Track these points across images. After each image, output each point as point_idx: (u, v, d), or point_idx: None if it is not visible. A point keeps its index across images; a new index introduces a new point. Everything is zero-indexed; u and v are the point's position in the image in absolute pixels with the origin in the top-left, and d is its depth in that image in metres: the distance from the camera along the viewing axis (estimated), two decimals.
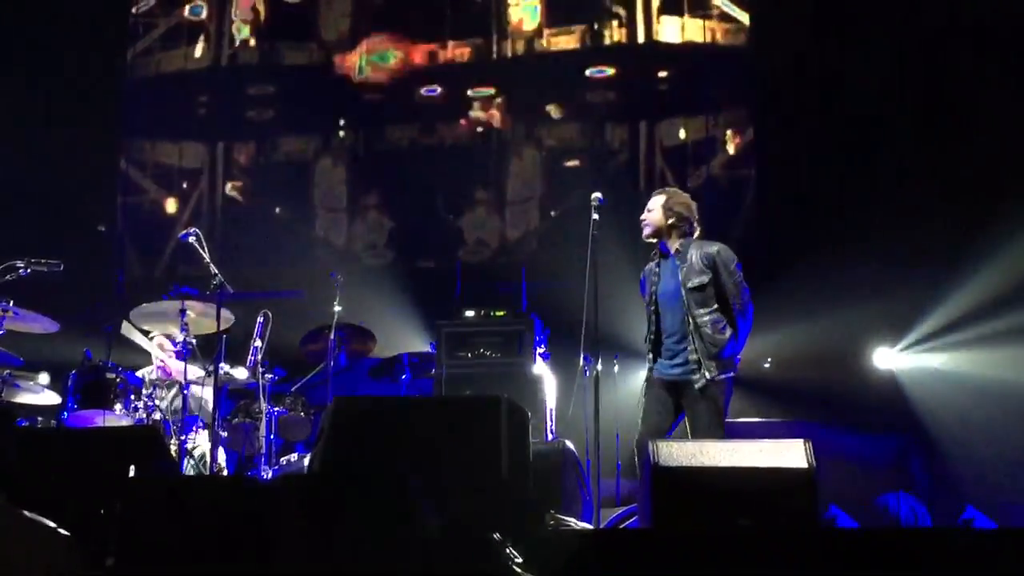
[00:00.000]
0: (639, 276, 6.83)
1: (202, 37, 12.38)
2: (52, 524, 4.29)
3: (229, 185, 12.10)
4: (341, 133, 12.07)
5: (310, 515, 4.26)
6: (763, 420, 8.98)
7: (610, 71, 11.75)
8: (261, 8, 12.37)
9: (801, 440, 5.53)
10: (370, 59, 12.07)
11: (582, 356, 6.64)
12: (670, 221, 6.62)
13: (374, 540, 4.23)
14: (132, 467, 4.76)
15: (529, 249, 11.38)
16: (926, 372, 10.05)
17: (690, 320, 6.45)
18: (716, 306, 6.47)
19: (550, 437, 7.91)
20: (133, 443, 5.09)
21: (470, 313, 8.57)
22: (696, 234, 6.69)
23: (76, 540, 4.32)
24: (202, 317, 7.71)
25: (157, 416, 7.59)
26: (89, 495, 4.64)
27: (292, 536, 4.20)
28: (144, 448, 5.03)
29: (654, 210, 6.66)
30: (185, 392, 7.47)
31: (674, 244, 6.62)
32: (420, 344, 9.42)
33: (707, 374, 6.34)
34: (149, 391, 7.69)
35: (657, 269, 6.70)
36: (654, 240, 6.69)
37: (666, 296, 6.59)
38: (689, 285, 6.47)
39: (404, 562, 4.20)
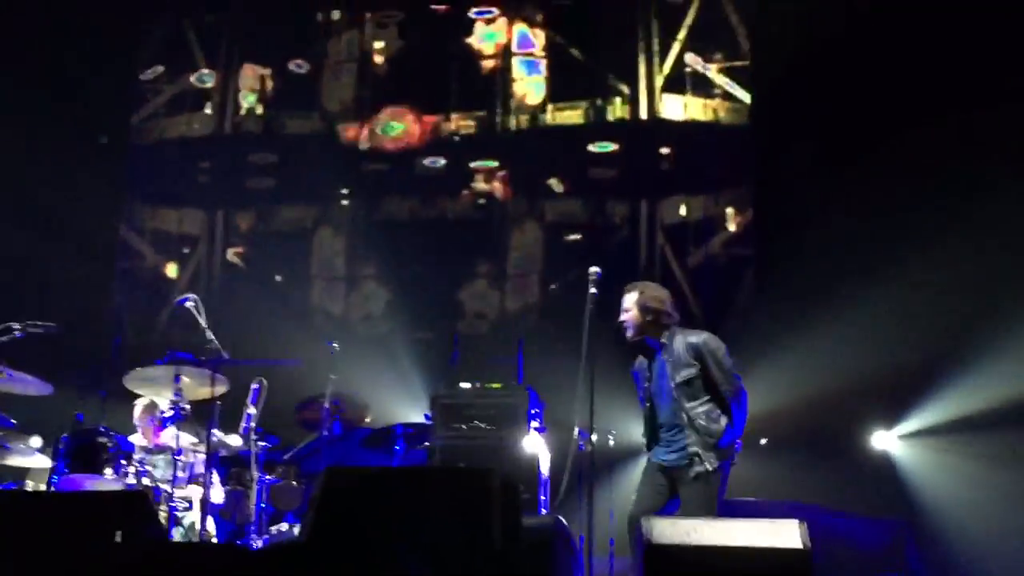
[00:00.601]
0: (637, 352, 6.81)
1: (208, 105, 12.47)
2: None
3: (230, 251, 12.12)
4: (344, 202, 12.10)
5: None
6: (757, 500, 8.88)
7: (613, 147, 11.86)
8: (268, 77, 12.48)
9: (796, 521, 5.47)
10: (374, 130, 12.15)
11: (576, 430, 6.57)
12: (648, 318, 6.62)
13: None
14: (118, 532, 4.69)
15: (528, 322, 11.38)
16: (922, 456, 10.00)
17: (684, 414, 6.43)
18: (707, 396, 6.46)
19: (543, 512, 7.82)
20: (120, 508, 5.00)
21: (466, 385, 8.51)
22: (676, 320, 6.68)
23: None
24: (196, 383, 7.67)
25: (147, 482, 7.51)
26: (73, 560, 4.58)
27: None
28: (132, 513, 4.96)
29: (630, 309, 6.66)
30: (176, 459, 7.40)
31: (659, 338, 6.61)
32: (415, 415, 9.37)
33: (707, 465, 6.31)
34: (140, 456, 7.62)
35: (648, 365, 6.68)
36: (640, 339, 6.68)
37: (658, 392, 6.60)
38: (678, 380, 6.46)
39: None
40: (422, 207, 11.96)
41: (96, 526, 4.74)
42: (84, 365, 9.63)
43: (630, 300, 6.68)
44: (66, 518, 4.91)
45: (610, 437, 8.69)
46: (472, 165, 12.01)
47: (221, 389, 7.64)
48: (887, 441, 10.30)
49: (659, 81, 11.86)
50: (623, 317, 6.69)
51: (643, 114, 11.84)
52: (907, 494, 9.93)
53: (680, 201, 11.57)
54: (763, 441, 10.13)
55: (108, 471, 7.35)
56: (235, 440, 8.09)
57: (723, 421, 6.41)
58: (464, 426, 8.25)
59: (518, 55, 12.25)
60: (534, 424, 8.31)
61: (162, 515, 7.19)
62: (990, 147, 10.07)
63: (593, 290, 6.57)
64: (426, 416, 8.62)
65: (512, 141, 12.05)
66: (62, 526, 4.83)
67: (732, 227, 11.39)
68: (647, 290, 6.73)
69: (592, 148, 11.84)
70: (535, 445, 8.18)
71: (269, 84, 12.46)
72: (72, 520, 4.87)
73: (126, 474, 7.42)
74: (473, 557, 4.77)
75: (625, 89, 11.92)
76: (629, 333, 6.68)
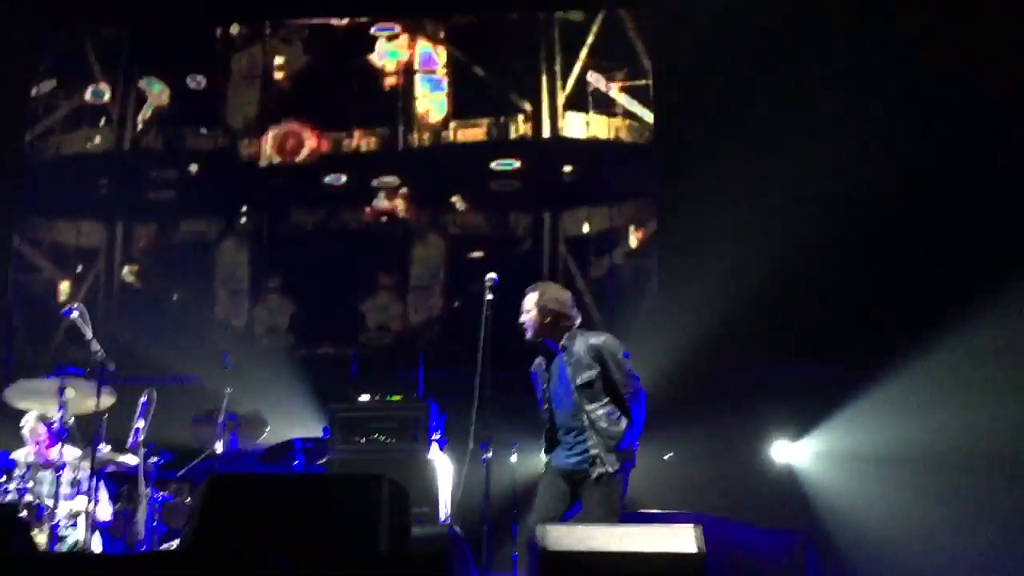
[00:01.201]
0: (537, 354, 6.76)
1: (103, 120, 12.23)
2: None
3: (126, 269, 11.86)
4: (243, 220, 11.93)
5: None
6: (660, 511, 8.88)
7: (516, 164, 11.85)
8: (166, 93, 12.27)
9: (692, 525, 5.45)
10: (275, 146, 12.01)
11: (471, 440, 6.49)
12: (547, 319, 6.58)
13: None
14: None
15: (431, 335, 11.30)
16: (823, 468, 10.10)
17: (584, 416, 6.38)
18: (607, 399, 6.42)
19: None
20: None
21: (365, 397, 8.41)
22: (577, 323, 6.65)
23: None
24: (82, 397, 7.46)
25: (30, 498, 7.27)
26: None
27: None
28: None
29: (531, 310, 6.60)
30: (59, 474, 7.18)
31: (559, 339, 6.57)
32: (315, 430, 9.21)
33: (609, 468, 6.26)
34: (23, 472, 7.38)
35: (546, 366, 6.64)
36: (539, 340, 6.63)
37: (558, 394, 6.54)
38: (578, 382, 6.41)
39: None
40: (326, 220, 11.81)
41: None
42: None
43: (530, 301, 6.62)
44: None
45: (513, 450, 8.65)
46: (374, 183, 11.89)
47: (108, 402, 7.46)
48: (789, 452, 10.37)
49: (561, 99, 11.89)
50: (523, 318, 6.63)
51: (546, 132, 11.85)
52: (808, 506, 10.00)
53: (582, 213, 11.58)
54: (668, 456, 10.14)
55: None
56: (127, 456, 7.90)
57: (623, 423, 6.38)
58: (363, 439, 8.13)
59: (420, 72, 12.20)
60: (435, 437, 8.23)
61: (45, 533, 6.97)
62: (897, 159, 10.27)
63: (489, 296, 6.53)
64: (324, 430, 8.49)
65: (414, 158, 11.96)
66: None
67: (634, 239, 11.44)
68: (548, 291, 6.68)
69: (495, 166, 11.80)
70: (435, 458, 8.10)
71: (167, 100, 12.24)
72: None
73: (6, 491, 7.19)
74: (359, 564, 4.67)
75: (528, 107, 11.93)
76: (528, 334, 6.63)
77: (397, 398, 8.42)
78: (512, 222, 11.67)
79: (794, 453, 10.38)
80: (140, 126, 12.20)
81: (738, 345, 10.18)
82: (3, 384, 8.08)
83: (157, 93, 12.26)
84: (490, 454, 6.36)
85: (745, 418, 10.24)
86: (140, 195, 12.08)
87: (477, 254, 11.56)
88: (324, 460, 8.30)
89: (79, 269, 11.86)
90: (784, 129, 10.58)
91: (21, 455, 7.95)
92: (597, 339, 6.52)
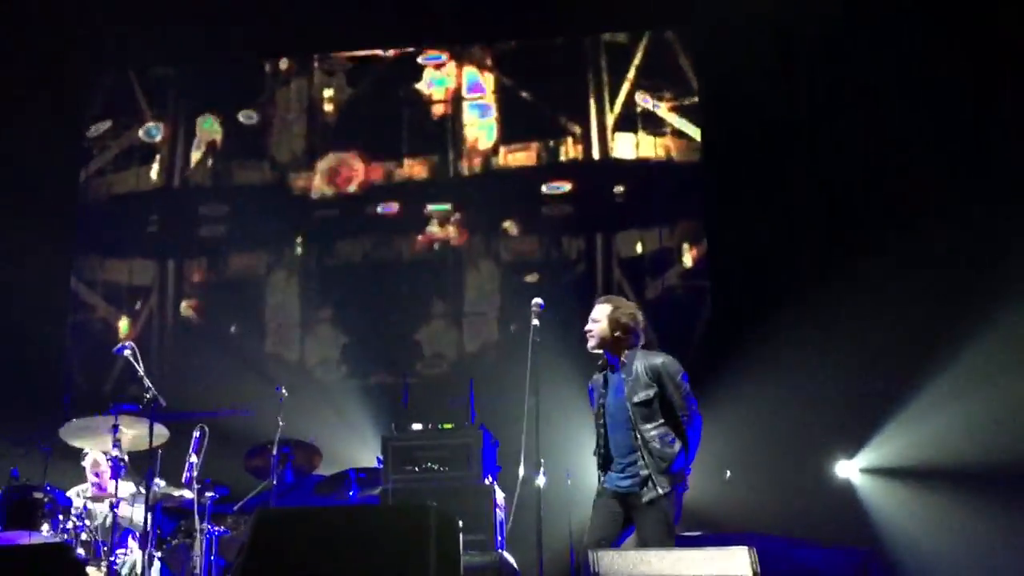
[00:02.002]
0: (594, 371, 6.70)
1: (156, 159, 12.38)
2: None
3: (184, 303, 11.98)
4: (298, 250, 12.00)
5: None
6: (718, 534, 8.76)
7: (566, 187, 11.82)
8: (218, 130, 12.40)
9: (745, 547, 5.37)
10: (326, 178, 12.09)
11: (521, 466, 6.43)
12: (616, 334, 6.49)
13: None
14: None
15: (487, 362, 11.26)
16: (885, 485, 9.93)
17: (638, 435, 6.30)
18: (662, 420, 6.32)
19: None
20: (41, 562, 4.84)
21: (417, 426, 8.40)
22: (641, 343, 6.58)
23: None
24: (136, 433, 7.52)
25: (85, 536, 7.33)
26: None
27: None
28: (54, 566, 4.80)
29: (600, 321, 6.52)
30: (115, 510, 7.23)
31: (620, 356, 6.51)
32: (369, 459, 9.21)
33: (659, 489, 6.17)
34: (79, 511, 7.44)
35: (604, 382, 6.57)
36: (599, 351, 6.58)
37: (613, 410, 6.45)
38: (635, 400, 6.33)
39: None
40: (375, 249, 11.84)
41: None
42: (33, 421, 9.50)
43: (601, 312, 6.54)
44: None
45: (568, 478, 8.58)
46: (426, 210, 11.91)
47: (161, 438, 7.50)
48: (849, 470, 10.21)
49: (610, 120, 11.87)
50: (590, 326, 6.54)
51: (595, 154, 11.82)
52: (871, 523, 9.84)
53: (635, 235, 11.52)
54: (727, 475, 10.01)
55: (45, 527, 7.19)
56: (183, 491, 7.94)
57: (677, 446, 6.29)
58: (416, 468, 8.13)
59: (468, 99, 12.23)
60: (489, 464, 8.20)
61: (103, 569, 7.01)
62: (954, 168, 10.11)
63: (535, 321, 6.49)
64: (378, 460, 8.49)
65: (465, 185, 11.98)
66: None
67: (688, 259, 11.35)
68: (623, 306, 6.60)
69: (545, 189, 11.78)
70: (489, 485, 8.06)
71: (219, 136, 12.37)
72: None
73: (64, 529, 7.26)
74: None
75: (577, 129, 11.91)
76: (591, 343, 6.55)
77: (448, 426, 8.40)
78: (564, 245, 11.63)
79: (854, 470, 10.21)
80: (193, 164, 12.33)
81: (798, 359, 10.04)
82: (61, 423, 8.16)
83: (208, 130, 12.38)
84: (543, 480, 6.29)
85: (806, 435, 10.09)
86: (191, 231, 12.21)
87: (531, 279, 11.51)
88: (378, 490, 8.30)
89: (137, 306, 11.98)
90: (833, 141, 10.50)
91: (77, 493, 8.03)
92: (657, 359, 6.44)
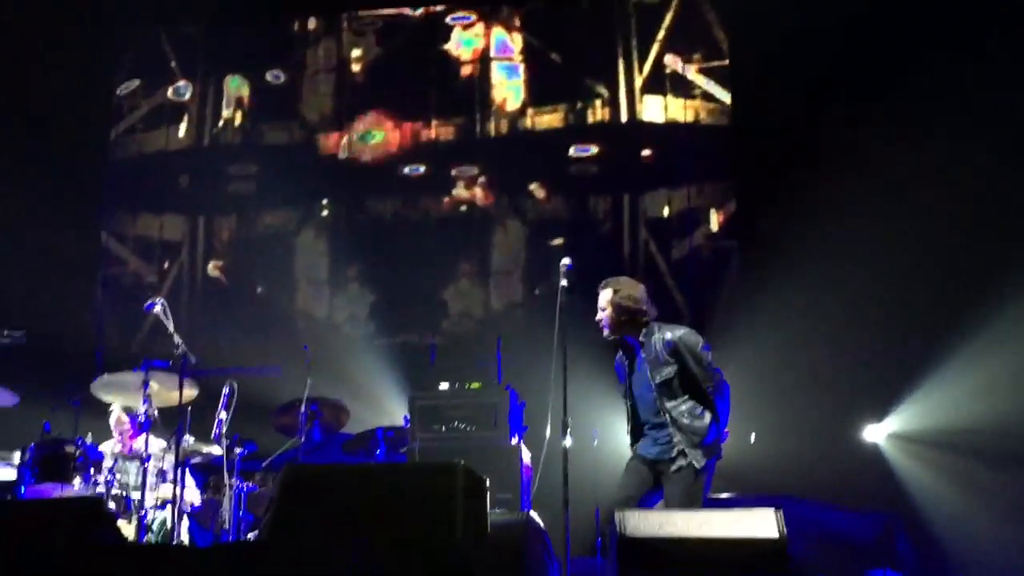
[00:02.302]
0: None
1: (185, 117, 12.41)
2: None
3: (211, 264, 12.03)
4: (324, 212, 12.02)
5: None
6: (744, 495, 8.78)
7: (594, 149, 11.75)
8: (245, 89, 12.41)
9: (772, 509, 5.38)
10: (354, 138, 12.08)
11: (548, 427, 6.46)
12: (623, 317, 6.53)
13: None
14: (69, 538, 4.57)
15: (514, 320, 11.26)
16: (913, 449, 9.90)
17: (666, 414, 6.33)
18: (687, 395, 6.36)
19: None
20: (72, 515, 4.90)
21: (444, 386, 8.45)
22: (653, 315, 6.58)
23: None
24: (166, 389, 7.58)
25: (117, 490, 7.41)
26: (22, 567, 4.47)
27: None
28: (85, 520, 4.85)
29: (605, 308, 6.57)
30: (144, 466, 7.30)
31: (638, 336, 6.52)
32: (397, 418, 9.26)
33: (695, 463, 6.21)
34: (111, 464, 7.52)
35: (627, 362, 6.59)
36: (616, 337, 6.58)
37: (639, 390, 6.51)
38: (657, 380, 6.37)
39: None
40: (405, 209, 11.84)
41: (46, 533, 4.63)
42: (64, 375, 9.57)
43: (604, 299, 6.60)
44: (16, 526, 4.81)
45: (594, 437, 8.61)
46: (452, 172, 11.89)
47: (191, 394, 7.56)
48: (878, 434, 10.19)
49: (639, 83, 11.77)
50: (599, 316, 6.61)
51: (623, 116, 11.74)
52: (898, 487, 9.83)
53: (662, 195, 11.46)
54: (752, 437, 10.00)
55: (77, 480, 7.27)
56: (212, 447, 8.01)
57: (707, 417, 6.32)
58: (443, 427, 8.18)
59: (496, 60, 12.16)
60: (516, 423, 8.23)
61: (133, 524, 7.09)
62: (979, 134, 9.99)
63: (564, 282, 6.48)
64: (405, 419, 8.53)
65: (492, 146, 11.94)
66: (10, 533, 4.72)
67: (715, 221, 11.30)
68: (621, 288, 6.61)
69: (573, 152, 11.73)
70: (516, 445, 8.09)
71: (247, 96, 12.37)
72: (20, 528, 4.76)
73: (96, 483, 7.33)
74: (435, 552, 4.66)
75: (605, 92, 11.83)
76: (606, 332, 6.61)
77: (476, 385, 8.44)
78: (591, 205, 11.59)
79: (882, 434, 10.19)
80: (222, 122, 12.34)
81: (825, 321, 10.00)
82: (94, 377, 8.23)
83: (236, 89, 12.39)
84: (569, 440, 6.31)
85: (833, 397, 10.06)
86: (220, 189, 12.25)
87: (557, 240, 11.50)
88: (405, 449, 8.35)
89: (165, 264, 12.05)
90: (868, 109, 10.39)
91: (109, 447, 8.10)
92: (672, 333, 6.45)
